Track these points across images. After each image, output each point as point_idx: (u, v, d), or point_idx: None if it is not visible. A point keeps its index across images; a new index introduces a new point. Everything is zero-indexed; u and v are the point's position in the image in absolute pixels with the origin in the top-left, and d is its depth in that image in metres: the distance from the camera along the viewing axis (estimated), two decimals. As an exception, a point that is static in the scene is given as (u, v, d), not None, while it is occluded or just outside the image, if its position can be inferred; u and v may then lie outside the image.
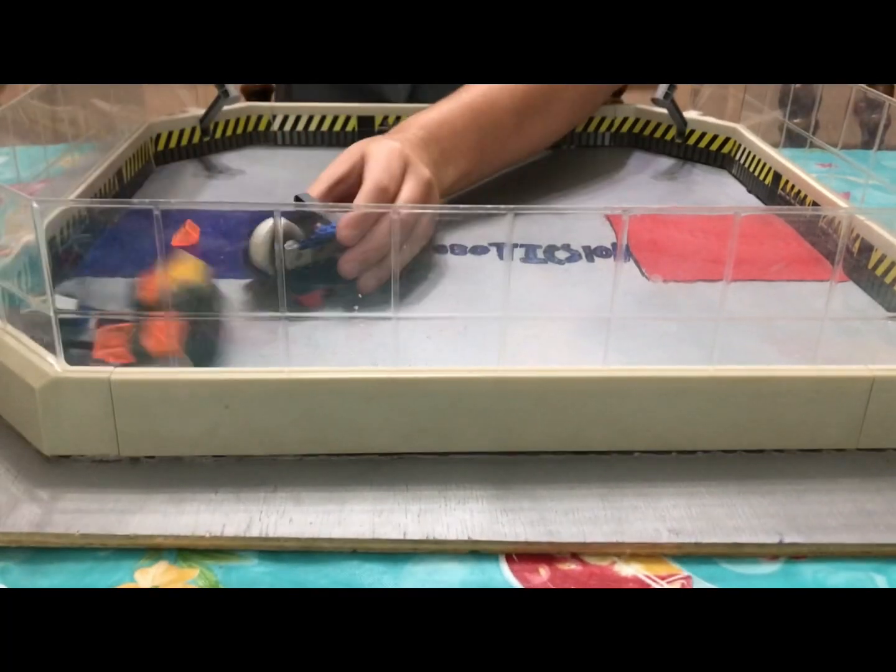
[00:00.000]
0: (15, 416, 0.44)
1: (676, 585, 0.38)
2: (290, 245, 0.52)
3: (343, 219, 0.53)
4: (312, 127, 0.86)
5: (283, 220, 0.51)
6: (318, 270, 0.53)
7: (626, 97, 0.98)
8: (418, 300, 0.57)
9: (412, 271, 0.58)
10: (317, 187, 0.58)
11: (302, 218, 0.54)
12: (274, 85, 1.05)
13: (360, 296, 0.55)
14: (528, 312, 0.56)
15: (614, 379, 0.42)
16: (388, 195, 0.56)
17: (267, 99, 1.00)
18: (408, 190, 0.57)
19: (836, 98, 0.70)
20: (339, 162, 0.59)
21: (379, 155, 0.57)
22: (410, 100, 0.92)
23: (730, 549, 0.39)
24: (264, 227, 0.52)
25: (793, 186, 0.72)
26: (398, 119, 0.85)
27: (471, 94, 0.68)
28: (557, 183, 0.77)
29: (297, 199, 0.56)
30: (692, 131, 0.84)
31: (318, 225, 0.54)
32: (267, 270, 0.53)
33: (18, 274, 0.51)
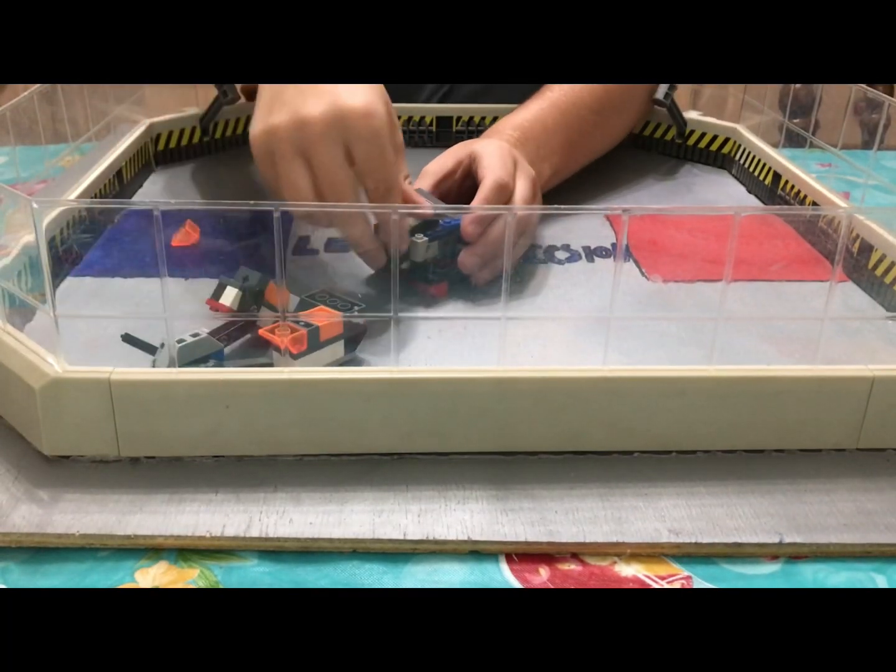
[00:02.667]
0: (15, 416, 0.44)
1: (676, 585, 0.38)
2: (420, 238, 0.54)
3: (467, 217, 0.55)
4: (312, 127, 0.86)
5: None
6: (445, 261, 0.56)
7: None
8: (419, 302, 0.57)
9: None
10: (424, 181, 0.59)
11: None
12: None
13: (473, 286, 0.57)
14: (528, 312, 0.56)
15: (614, 379, 0.42)
16: (507, 192, 0.58)
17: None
18: (521, 187, 0.59)
19: (836, 98, 0.70)
20: (444, 158, 0.61)
21: (493, 153, 0.59)
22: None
23: (730, 549, 0.39)
24: None
25: (792, 186, 0.72)
26: (398, 119, 0.85)
27: (554, 94, 0.71)
28: (557, 183, 0.77)
29: (419, 192, 0.57)
30: (692, 131, 0.84)
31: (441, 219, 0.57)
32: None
33: (18, 274, 0.51)
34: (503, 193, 0.57)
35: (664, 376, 0.42)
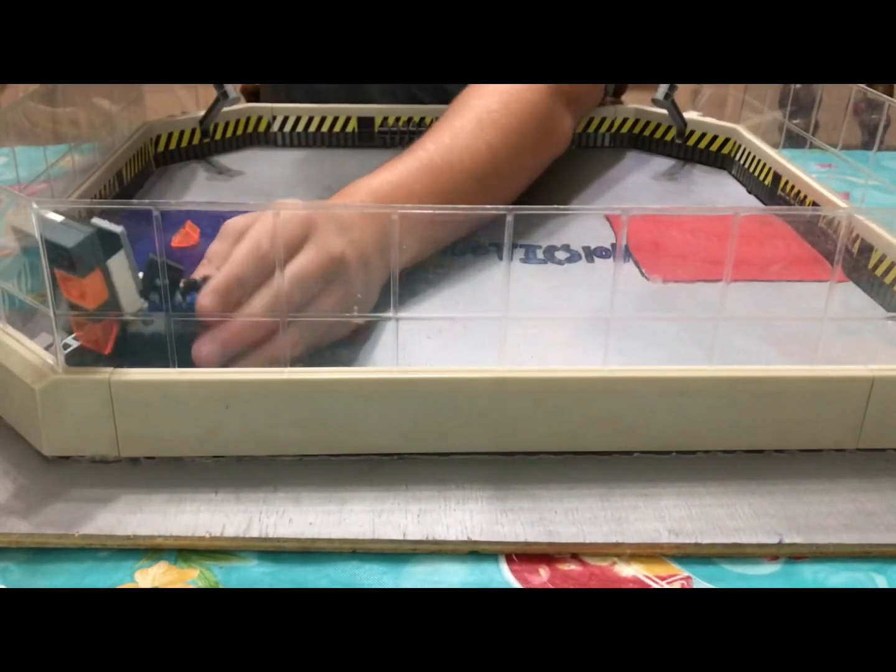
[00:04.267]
0: (15, 416, 0.44)
1: (676, 586, 0.38)
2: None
3: (210, 284, 0.41)
4: (312, 128, 0.86)
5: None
6: (163, 347, 0.41)
7: (626, 97, 0.98)
8: (418, 301, 0.57)
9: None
10: (222, 244, 0.46)
11: (174, 281, 0.42)
12: (260, 85, 1.05)
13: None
14: (528, 313, 0.56)
15: (614, 379, 0.42)
16: (238, 292, 0.43)
17: (256, 99, 1.00)
18: (300, 261, 0.45)
19: (836, 98, 0.70)
20: (249, 217, 0.47)
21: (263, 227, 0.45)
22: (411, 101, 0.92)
23: (730, 549, 0.39)
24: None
25: (792, 187, 0.72)
26: (398, 120, 0.86)
27: (428, 154, 0.59)
28: (557, 183, 0.77)
29: (191, 282, 0.43)
30: (692, 132, 0.84)
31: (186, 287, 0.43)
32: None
33: (18, 274, 0.51)
34: (231, 293, 0.42)
35: (664, 376, 0.42)
